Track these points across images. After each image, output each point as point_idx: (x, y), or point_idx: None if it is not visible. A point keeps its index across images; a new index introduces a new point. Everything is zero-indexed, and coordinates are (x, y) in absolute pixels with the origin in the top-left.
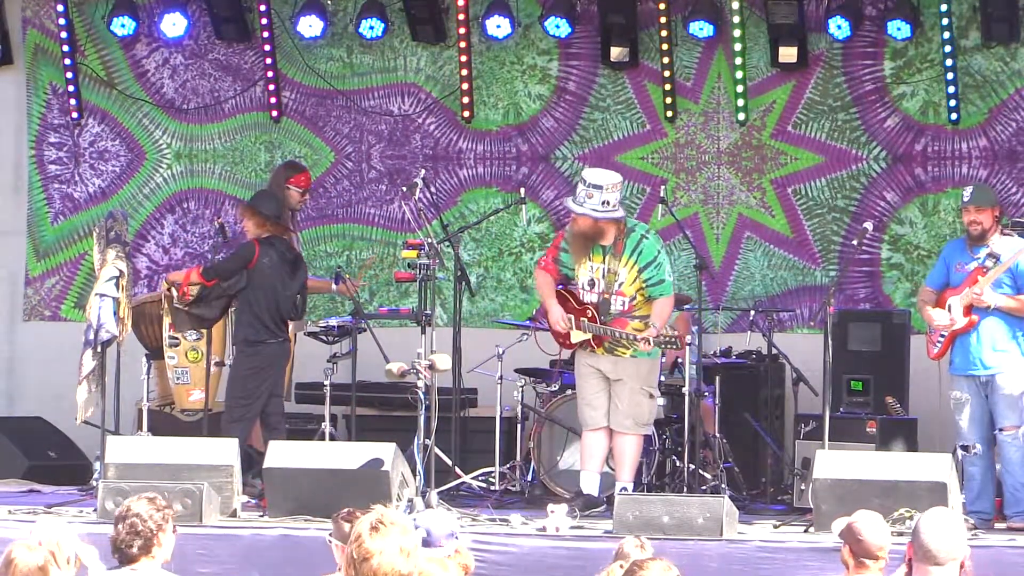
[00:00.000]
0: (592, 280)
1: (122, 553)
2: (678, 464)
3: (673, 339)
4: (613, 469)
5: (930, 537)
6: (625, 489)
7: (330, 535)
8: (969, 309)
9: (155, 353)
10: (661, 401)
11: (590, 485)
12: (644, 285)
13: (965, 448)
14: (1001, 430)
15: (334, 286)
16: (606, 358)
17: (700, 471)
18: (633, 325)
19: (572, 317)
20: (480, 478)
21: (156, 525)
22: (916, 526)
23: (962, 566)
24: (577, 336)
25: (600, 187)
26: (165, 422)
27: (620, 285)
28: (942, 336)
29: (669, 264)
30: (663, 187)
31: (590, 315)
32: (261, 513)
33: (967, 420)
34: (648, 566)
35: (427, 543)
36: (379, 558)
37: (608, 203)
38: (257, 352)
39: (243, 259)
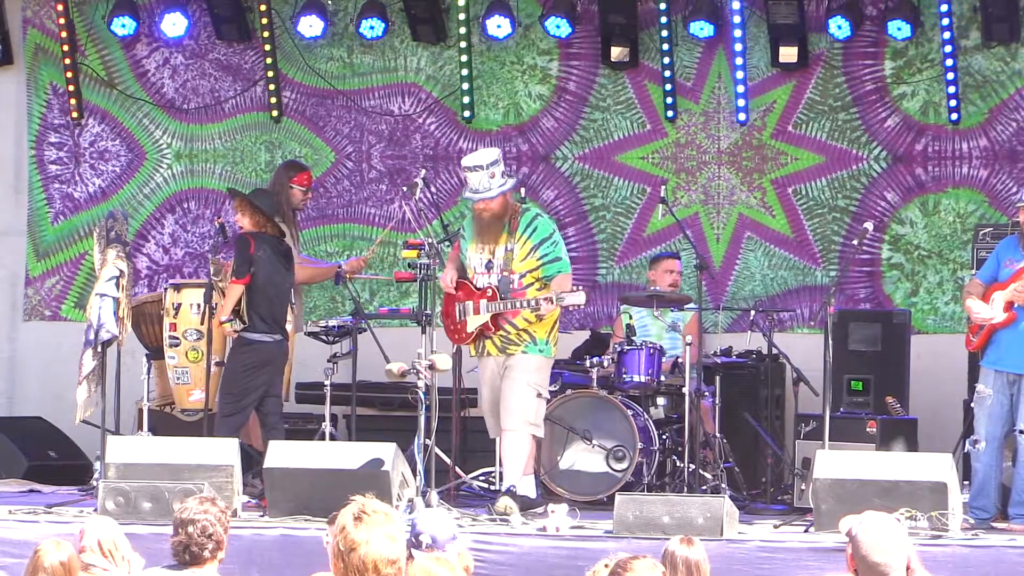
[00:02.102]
0: (489, 262)
1: (194, 555)
2: (678, 464)
3: (576, 290)
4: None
5: (870, 549)
6: (513, 487)
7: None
8: (1010, 305)
9: (155, 353)
10: (661, 401)
11: (527, 488)
12: (539, 263)
13: (974, 443)
14: (1021, 432)
15: (336, 284)
16: (497, 359)
17: (700, 471)
18: (525, 313)
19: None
20: (480, 478)
21: (224, 528)
22: (854, 539)
23: (908, 566)
24: (474, 322)
25: (480, 167)
26: (165, 422)
27: (514, 263)
28: (981, 328)
29: (564, 246)
30: (663, 187)
31: (490, 295)
32: (261, 513)
33: (985, 415)
34: (632, 566)
35: (429, 547)
36: (366, 547)
37: (494, 176)
38: (252, 349)
39: (246, 250)
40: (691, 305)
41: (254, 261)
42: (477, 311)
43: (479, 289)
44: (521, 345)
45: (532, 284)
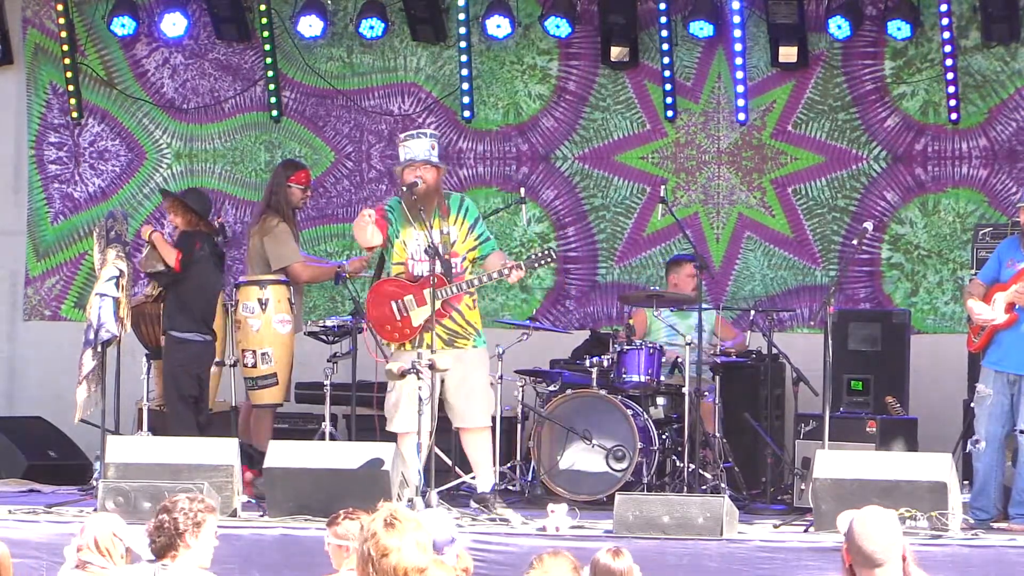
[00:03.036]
0: (428, 247)
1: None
2: (678, 464)
3: (544, 252)
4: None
5: (865, 540)
6: (495, 486)
7: (329, 536)
8: (1012, 306)
9: (155, 353)
10: (661, 401)
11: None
12: (477, 242)
13: (974, 442)
14: (1021, 432)
15: (336, 284)
16: (444, 353)
17: (700, 471)
18: (466, 299)
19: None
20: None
21: (195, 523)
22: (849, 530)
23: (904, 559)
24: (421, 314)
25: (424, 135)
26: (165, 422)
27: (454, 245)
28: (983, 329)
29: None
30: (663, 187)
31: (436, 282)
32: (261, 513)
33: (985, 415)
34: (543, 560)
35: None
36: (398, 554)
37: (435, 148)
38: (185, 347)
39: (192, 246)
40: (706, 305)
41: (196, 260)
42: (422, 302)
43: (416, 279)
44: (470, 340)
45: (468, 267)
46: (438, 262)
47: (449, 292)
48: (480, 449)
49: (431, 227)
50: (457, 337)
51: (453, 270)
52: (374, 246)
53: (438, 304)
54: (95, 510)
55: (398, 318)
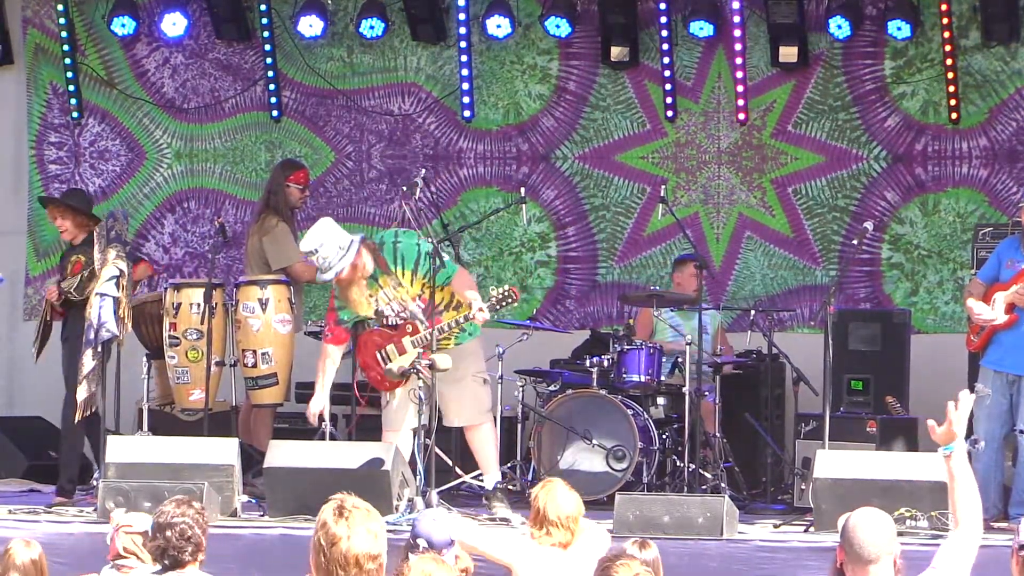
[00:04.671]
0: (388, 307)
1: (173, 559)
2: (678, 464)
3: (506, 294)
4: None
5: (862, 536)
6: (500, 483)
7: None
8: (1012, 307)
9: (155, 353)
10: (661, 401)
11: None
12: (425, 280)
13: (973, 442)
14: (1021, 432)
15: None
16: (444, 354)
17: (700, 471)
18: (447, 316)
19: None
20: (480, 478)
21: (202, 529)
22: (845, 527)
23: (895, 564)
24: (402, 362)
25: (315, 251)
26: (165, 422)
27: (410, 292)
28: (983, 329)
29: (436, 245)
30: (663, 187)
31: (411, 329)
32: (261, 513)
33: (984, 415)
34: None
35: (426, 549)
36: (347, 542)
37: (341, 248)
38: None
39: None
40: (706, 305)
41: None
42: (402, 351)
43: (394, 328)
44: (452, 339)
45: (441, 300)
46: (406, 311)
47: (425, 338)
48: (478, 446)
49: (375, 296)
50: (441, 339)
51: (421, 314)
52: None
53: (417, 353)
54: (95, 510)
55: (384, 368)
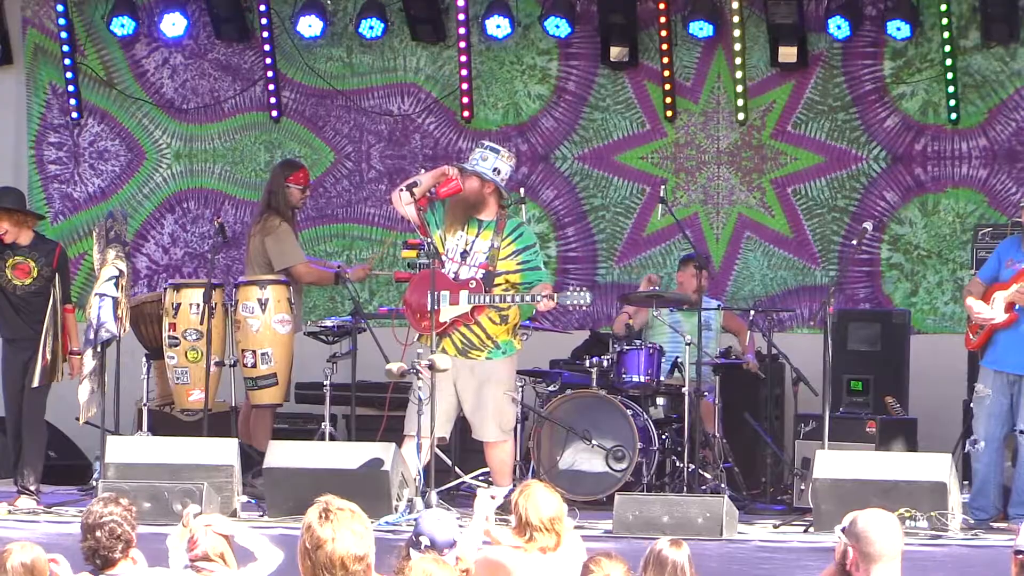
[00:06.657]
0: (464, 252)
1: (104, 559)
2: (678, 464)
3: (579, 295)
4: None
5: (874, 535)
6: (512, 491)
7: None
8: (1011, 306)
9: (155, 353)
10: (661, 401)
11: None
12: (519, 267)
13: (973, 443)
14: (1021, 432)
15: (335, 283)
16: (458, 361)
17: (700, 471)
18: (491, 314)
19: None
20: (480, 478)
21: (131, 526)
22: (859, 528)
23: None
24: (450, 312)
25: (497, 151)
26: (165, 422)
27: (493, 259)
28: (981, 328)
29: (543, 261)
30: (663, 187)
31: (474, 286)
32: (260, 513)
33: (984, 415)
34: (601, 563)
35: (427, 548)
36: (332, 544)
37: (499, 171)
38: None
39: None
40: (714, 303)
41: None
42: (456, 301)
43: (459, 280)
44: (484, 351)
45: (500, 275)
46: (462, 266)
47: (480, 300)
48: (495, 464)
49: (473, 236)
50: (471, 348)
51: (479, 277)
52: (405, 216)
53: (467, 310)
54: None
55: (429, 309)
